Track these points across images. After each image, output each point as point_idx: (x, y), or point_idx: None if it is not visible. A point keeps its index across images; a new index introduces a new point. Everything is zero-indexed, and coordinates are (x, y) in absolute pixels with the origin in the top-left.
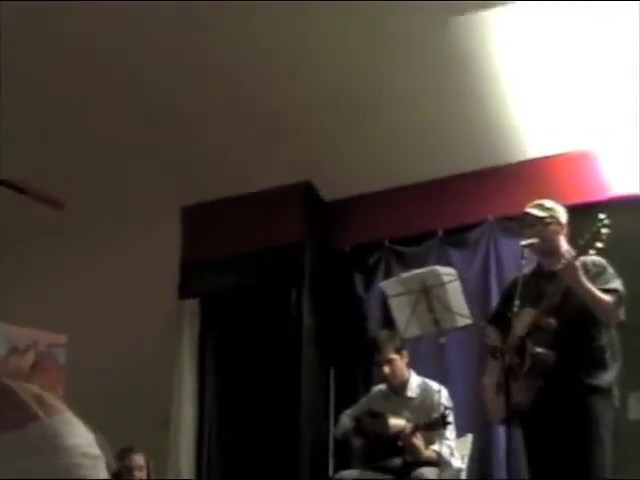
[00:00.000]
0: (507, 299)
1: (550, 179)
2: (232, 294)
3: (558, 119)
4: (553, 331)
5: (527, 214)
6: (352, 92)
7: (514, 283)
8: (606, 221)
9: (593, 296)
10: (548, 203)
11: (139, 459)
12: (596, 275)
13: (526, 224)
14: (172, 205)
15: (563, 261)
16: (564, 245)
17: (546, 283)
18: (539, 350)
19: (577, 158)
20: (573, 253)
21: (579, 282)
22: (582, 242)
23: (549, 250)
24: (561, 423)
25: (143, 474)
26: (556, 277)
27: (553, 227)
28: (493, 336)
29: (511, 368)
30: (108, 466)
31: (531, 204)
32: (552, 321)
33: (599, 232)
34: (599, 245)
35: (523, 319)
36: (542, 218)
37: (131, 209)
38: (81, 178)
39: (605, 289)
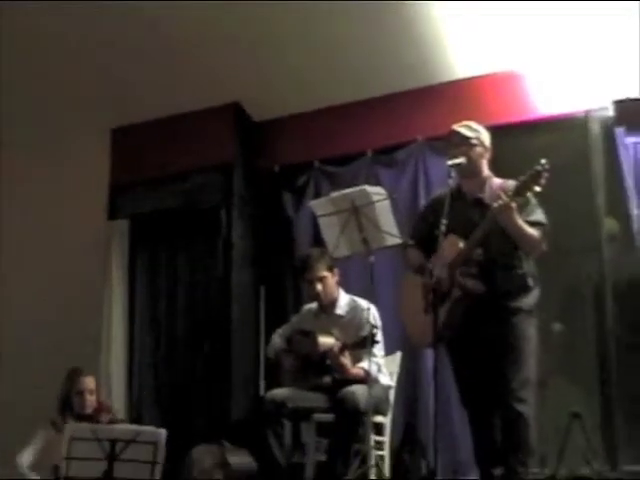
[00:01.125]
0: (428, 219)
1: (477, 99)
2: (161, 215)
3: (485, 40)
4: (480, 261)
5: (455, 133)
6: (278, 13)
7: (436, 202)
8: (547, 166)
9: (522, 233)
10: (475, 125)
11: (90, 382)
12: (520, 207)
13: (452, 143)
14: (101, 127)
15: (500, 202)
16: (486, 169)
17: (471, 211)
18: (469, 282)
19: (503, 79)
20: (509, 193)
21: (514, 222)
22: (519, 184)
23: (472, 172)
24: (487, 342)
25: (94, 398)
26: (482, 206)
27: (478, 149)
28: (416, 255)
29: (437, 290)
30: None
31: (459, 124)
32: (480, 252)
33: (539, 175)
34: (537, 189)
35: (450, 245)
36: (469, 138)
37: (60, 131)
38: (8, 99)
39: (530, 221)
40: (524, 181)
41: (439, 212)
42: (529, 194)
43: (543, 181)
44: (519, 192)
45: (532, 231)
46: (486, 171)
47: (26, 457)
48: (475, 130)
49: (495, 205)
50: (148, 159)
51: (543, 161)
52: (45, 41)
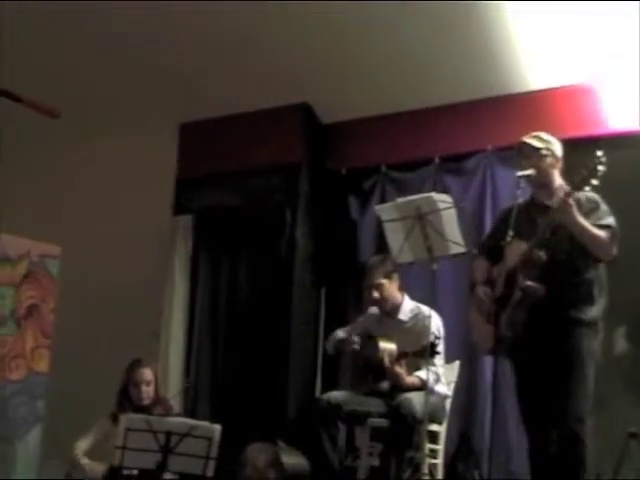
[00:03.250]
0: (498, 229)
1: (549, 111)
2: (227, 212)
3: (560, 52)
4: (543, 265)
5: (524, 144)
6: (352, 16)
7: (506, 213)
8: (603, 158)
9: (587, 232)
10: (545, 136)
11: (147, 373)
12: (590, 211)
13: (522, 155)
14: (170, 122)
15: (557, 199)
16: (558, 179)
17: (538, 215)
18: (529, 283)
19: (577, 92)
20: (567, 189)
21: (574, 219)
22: (577, 178)
23: (543, 183)
24: (547, 355)
25: (150, 389)
26: (549, 210)
27: (549, 160)
28: (481, 267)
29: (500, 298)
30: None
31: (528, 135)
32: (542, 254)
33: (595, 169)
34: (594, 182)
35: (514, 250)
36: (539, 149)
37: (129, 124)
38: (80, 90)
39: (599, 225)
40: (581, 175)
41: (508, 222)
42: (597, 198)
43: (599, 173)
44: (576, 186)
45: (598, 232)
46: (558, 181)
47: (83, 444)
48: (545, 141)
49: (553, 204)
50: (215, 156)
51: (599, 153)
52: (119, 36)
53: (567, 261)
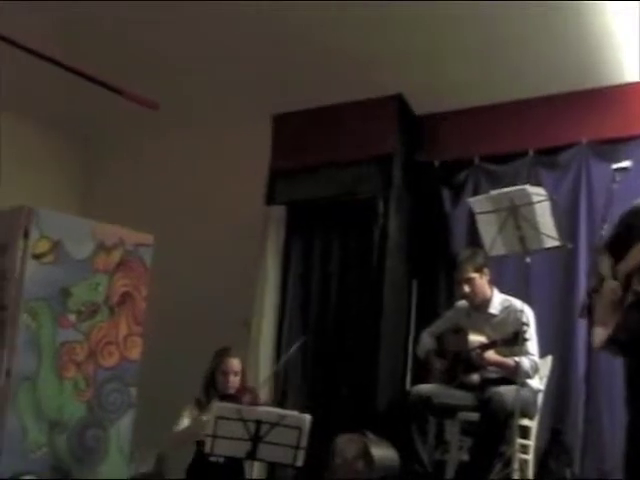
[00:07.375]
0: (625, 224)
1: None
2: (319, 203)
3: None
4: None
5: None
6: (445, 6)
7: (632, 215)
8: None
9: None
10: None
11: (236, 364)
12: None
13: None
14: (264, 112)
15: None
16: None
17: None
18: None
19: None
20: None
21: None
22: None
23: None
24: None
25: (237, 379)
26: None
27: None
28: (603, 265)
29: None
30: None
31: None
32: None
33: None
34: None
35: (634, 253)
36: None
37: (224, 114)
38: (176, 80)
39: None
40: None
41: (632, 224)
42: None
43: None
44: None
45: None
46: None
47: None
48: None
49: None
50: (308, 147)
51: None
52: (214, 28)
53: None
